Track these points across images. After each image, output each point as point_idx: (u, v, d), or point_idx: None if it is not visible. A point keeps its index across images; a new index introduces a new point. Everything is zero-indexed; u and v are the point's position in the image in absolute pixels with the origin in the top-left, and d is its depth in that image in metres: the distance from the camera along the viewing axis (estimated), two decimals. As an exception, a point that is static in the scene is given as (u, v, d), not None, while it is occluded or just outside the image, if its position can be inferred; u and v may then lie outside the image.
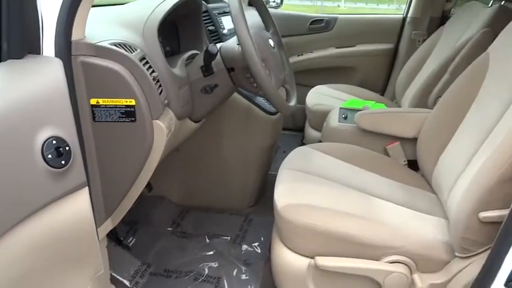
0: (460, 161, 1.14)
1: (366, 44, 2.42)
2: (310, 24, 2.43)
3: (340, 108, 1.78)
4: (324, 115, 1.85)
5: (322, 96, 2.10)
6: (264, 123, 1.57)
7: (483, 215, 0.91)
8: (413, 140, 1.46)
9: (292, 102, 1.26)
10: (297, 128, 2.51)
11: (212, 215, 1.71)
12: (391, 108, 1.67)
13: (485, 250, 0.94)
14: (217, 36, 1.52)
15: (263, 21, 1.34)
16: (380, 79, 2.47)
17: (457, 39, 1.88)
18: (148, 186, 1.70)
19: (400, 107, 2.13)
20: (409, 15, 2.31)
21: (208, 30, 1.47)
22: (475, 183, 0.95)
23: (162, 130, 0.94)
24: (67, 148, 0.65)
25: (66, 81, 0.70)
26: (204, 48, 1.36)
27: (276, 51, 1.21)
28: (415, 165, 1.46)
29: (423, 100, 1.82)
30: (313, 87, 2.28)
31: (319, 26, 2.43)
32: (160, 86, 0.96)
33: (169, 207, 1.73)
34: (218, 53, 1.14)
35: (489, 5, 1.85)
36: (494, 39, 1.62)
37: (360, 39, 2.43)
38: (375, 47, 2.41)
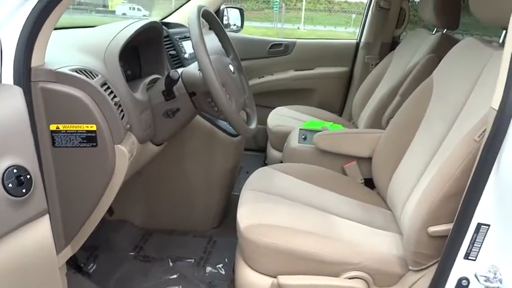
0: (411, 179, 1.22)
1: (323, 67, 2.53)
2: (270, 48, 2.51)
3: (300, 129, 1.84)
4: (284, 136, 1.91)
5: (282, 118, 2.16)
6: (226, 145, 1.60)
7: (432, 229, 0.97)
8: (369, 159, 1.54)
9: (253, 125, 1.30)
10: (259, 149, 2.56)
11: (175, 237, 1.70)
12: (347, 129, 1.76)
13: (436, 263, 1.01)
14: (179, 60, 1.55)
15: (223, 46, 1.39)
16: (337, 100, 2.58)
17: (406, 63, 2.02)
18: (110, 210, 1.67)
19: (357, 127, 2.24)
20: (362, 40, 2.45)
21: (170, 54, 1.49)
22: (423, 200, 1.01)
23: (124, 155, 0.94)
24: (28, 176, 0.65)
25: (26, 110, 0.70)
26: (166, 73, 1.39)
27: (236, 76, 1.26)
28: (371, 183, 1.54)
29: (377, 121, 1.93)
30: (274, 108, 2.35)
31: (279, 49, 2.51)
32: (122, 110, 0.97)
33: (131, 231, 1.70)
34: (180, 78, 1.17)
35: (433, 32, 2.00)
36: (438, 63, 1.76)
37: (317, 63, 2.53)
38: (331, 70, 2.53)
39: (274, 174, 1.43)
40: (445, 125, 1.19)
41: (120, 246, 1.61)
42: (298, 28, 18.89)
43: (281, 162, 1.78)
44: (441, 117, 1.22)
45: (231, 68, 1.23)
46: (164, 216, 1.72)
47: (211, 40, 2.20)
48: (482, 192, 0.78)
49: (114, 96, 0.95)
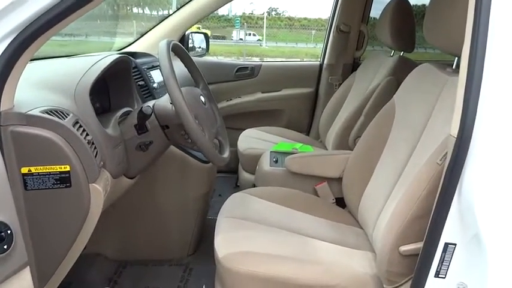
0: (380, 199, 1.27)
1: (289, 89, 2.60)
2: (237, 71, 2.55)
3: (271, 152, 1.88)
4: (255, 158, 1.94)
5: (252, 140, 2.19)
6: (199, 172, 1.60)
7: (403, 248, 1.02)
8: (339, 179, 1.59)
9: (226, 154, 1.32)
10: (230, 170, 2.57)
11: (151, 268, 1.68)
12: (317, 151, 1.81)
13: (409, 280, 1.06)
14: (148, 90, 1.56)
15: (192, 77, 1.41)
16: (304, 120, 2.65)
17: (367, 84, 2.11)
18: (81, 244, 1.63)
19: (324, 146, 2.30)
20: (325, 62, 2.55)
21: (138, 85, 1.50)
22: (393, 221, 1.06)
23: (99, 193, 0.94)
24: (9, 232, 0.64)
25: (3, 161, 0.69)
26: (136, 105, 1.39)
27: (207, 106, 1.28)
28: (342, 202, 1.58)
29: (344, 140, 2.00)
30: (243, 129, 2.38)
31: (245, 72, 2.56)
32: (95, 148, 0.97)
33: (104, 264, 1.66)
34: (153, 112, 1.18)
35: (391, 54, 2.11)
36: (397, 85, 1.84)
37: (284, 84, 2.60)
38: (297, 90, 2.60)
39: (249, 199, 1.45)
40: (407, 147, 1.25)
41: (94, 281, 1.57)
42: (261, 45, 19.22)
43: (253, 185, 1.81)
44: (403, 140, 1.29)
45: (202, 98, 1.26)
46: (138, 246, 1.70)
47: (178, 67, 2.22)
48: (447, 214, 0.83)
49: (87, 135, 0.95)
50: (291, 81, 2.60)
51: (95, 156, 0.94)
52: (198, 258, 1.75)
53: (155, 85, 1.60)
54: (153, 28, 2.34)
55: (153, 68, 1.68)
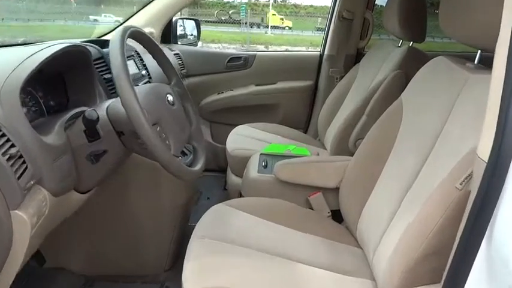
0: (383, 216, 1.07)
1: (286, 81, 2.38)
2: (228, 61, 2.33)
3: (261, 154, 1.68)
4: (244, 161, 1.73)
5: (242, 138, 1.99)
6: (176, 179, 1.40)
7: (410, 292, 0.82)
8: (336, 190, 1.39)
9: (198, 165, 1.11)
10: (220, 169, 2.37)
11: (121, 285, 1.49)
12: (310, 158, 1.58)
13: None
14: (117, 84, 1.34)
15: (163, 70, 1.20)
16: (302, 116, 2.44)
17: (371, 78, 1.89)
18: (40, 259, 1.44)
19: (323, 144, 2.10)
20: (325, 52, 2.32)
21: (104, 79, 1.28)
22: (399, 255, 0.86)
23: (24, 223, 0.74)
24: None
25: None
26: (99, 102, 1.18)
27: (177, 107, 1.06)
28: (339, 214, 1.38)
29: (343, 142, 1.78)
30: (234, 125, 2.18)
31: (238, 63, 2.34)
32: (24, 162, 0.76)
33: (69, 280, 1.47)
34: (106, 115, 0.97)
35: (399, 45, 1.89)
36: (406, 81, 1.63)
37: (280, 77, 2.38)
38: (295, 84, 2.38)
39: (230, 213, 1.25)
40: (417, 158, 1.05)
41: (56, 301, 1.38)
42: (266, 32, 18.82)
43: (240, 194, 1.60)
44: (412, 148, 1.09)
45: (170, 98, 1.04)
46: (108, 260, 1.51)
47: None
48: (473, 260, 0.62)
49: (11, 146, 0.74)
50: (288, 73, 2.38)
51: (21, 174, 0.74)
52: (176, 274, 1.55)
53: (126, 78, 1.39)
54: (134, 14, 2.12)
55: (127, 58, 1.46)
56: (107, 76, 1.32)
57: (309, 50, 2.46)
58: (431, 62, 1.19)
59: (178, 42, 2.36)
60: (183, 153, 1.38)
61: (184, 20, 2.54)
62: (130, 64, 1.50)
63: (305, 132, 2.43)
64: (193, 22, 2.58)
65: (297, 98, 2.39)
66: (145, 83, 1.40)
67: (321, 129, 2.16)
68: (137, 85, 1.35)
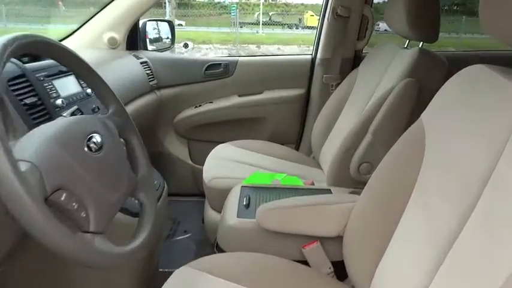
0: (412, 279, 0.76)
1: (274, 90, 2.06)
2: (206, 69, 2.00)
3: (242, 187, 1.36)
4: (223, 193, 1.41)
5: (222, 163, 1.66)
6: (126, 230, 1.07)
7: None
8: (338, 238, 1.07)
9: (138, 239, 0.76)
10: (200, 193, 2.05)
11: None
12: (304, 199, 1.21)
13: None
14: (45, 111, 1.01)
15: (96, 95, 0.87)
16: (293, 130, 2.11)
17: (374, 86, 1.58)
18: None
19: (318, 163, 1.78)
20: (318, 56, 1.99)
21: (25, 105, 0.95)
22: None
23: None
24: None
25: None
26: (14, 134, 0.85)
27: (106, 152, 0.73)
28: (342, 268, 1.06)
29: (344, 166, 1.46)
30: (215, 142, 1.86)
31: (217, 71, 2.01)
32: None
33: None
34: None
35: (405, 45, 1.58)
36: (419, 91, 1.32)
37: (266, 85, 2.05)
38: (284, 93, 2.05)
39: (199, 280, 0.93)
40: (454, 210, 0.74)
41: None
42: (257, 32, 18.48)
43: (215, 243, 1.26)
44: (445, 194, 0.77)
45: (96, 139, 0.71)
46: None
47: (121, 69, 1.67)
48: None
49: None
50: (276, 81, 2.05)
51: None
52: None
53: (59, 101, 1.05)
54: (92, 17, 1.80)
55: (61, 75, 1.13)
56: (31, 101, 0.99)
57: (300, 54, 2.11)
58: (463, 72, 0.87)
59: (149, 48, 2.03)
60: (131, 213, 1.05)
61: (158, 22, 2.21)
62: (69, 81, 1.17)
63: (297, 148, 2.11)
64: (166, 24, 2.26)
65: (286, 109, 2.06)
66: (73, 113, 1.06)
67: (315, 145, 1.84)
68: (62, 115, 1.02)
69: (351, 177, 1.46)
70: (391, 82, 1.42)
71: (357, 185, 1.47)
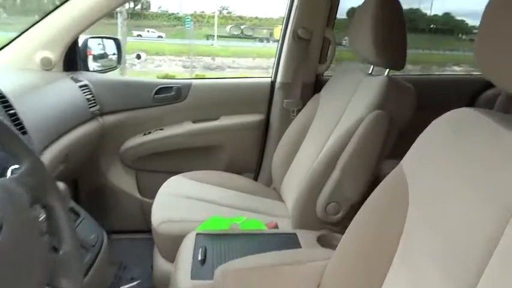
0: None
1: (231, 116, 1.90)
2: (156, 93, 1.82)
3: (197, 234, 1.18)
4: (175, 242, 1.23)
5: (174, 201, 1.48)
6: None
7: None
8: None
9: None
10: (150, 230, 1.84)
11: None
12: (271, 258, 1.04)
13: None
14: None
15: (5, 150, 0.67)
16: (252, 158, 1.96)
17: (338, 113, 1.47)
18: None
19: (279, 194, 1.65)
20: (278, 79, 1.87)
21: None
22: None
23: None
24: None
25: None
26: None
27: (1, 237, 0.53)
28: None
29: (310, 205, 1.33)
30: (167, 172, 1.68)
31: (168, 95, 1.83)
32: None
33: None
34: None
35: (370, 71, 1.49)
36: (390, 124, 1.21)
37: (223, 110, 1.90)
38: (242, 119, 1.90)
39: None
40: (449, 282, 0.61)
41: None
42: (212, 44, 18.30)
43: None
44: (432, 259, 0.65)
45: None
46: None
47: (56, 94, 1.45)
48: None
49: None
50: (234, 105, 1.90)
51: None
52: None
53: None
54: (24, 32, 1.57)
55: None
56: None
57: (259, 76, 1.98)
58: (451, 117, 0.76)
59: (91, 68, 1.82)
60: None
61: (102, 39, 2.00)
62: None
63: (256, 178, 1.96)
64: (111, 42, 2.04)
65: (244, 136, 1.91)
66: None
67: (276, 176, 1.70)
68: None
69: (318, 218, 1.33)
70: (358, 113, 1.31)
71: (324, 225, 1.35)
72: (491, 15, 0.63)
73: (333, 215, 1.31)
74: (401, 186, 0.78)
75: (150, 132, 1.84)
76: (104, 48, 2.02)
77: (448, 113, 0.77)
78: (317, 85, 1.87)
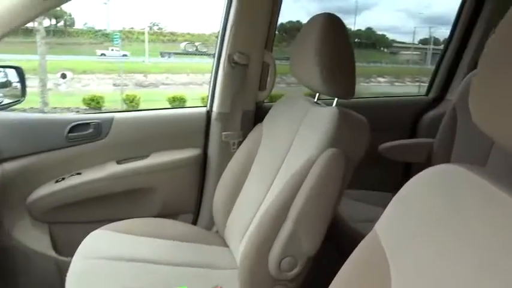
0: None
1: (163, 152, 1.66)
2: (70, 131, 1.53)
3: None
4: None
5: (94, 267, 1.21)
6: None
7: None
8: None
9: None
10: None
11: None
12: None
13: None
14: None
15: None
16: (190, 199, 1.73)
17: (285, 147, 1.31)
18: None
19: (222, 238, 1.45)
20: (214, 109, 1.67)
21: None
22: None
23: None
24: None
25: None
26: None
27: None
28: None
29: (261, 261, 1.14)
30: (88, 223, 1.41)
31: (86, 132, 1.55)
32: None
33: None
34: None
35: (315, 100, 1.35)
36: (347, 161, 1.06)
37: (153, 146, 1.65)
38: (176, 155, 1.67)
39: None
40: None
41: None
42: (143, 61, 17.66)
43: None
44: None
45: None
46: None
47: None
48: None
49: None
50: (165, 140, 1.67)
51: None
52: None
53: None
54: None
55: None
56: None
57: (193, 106, 1.76)
58: (432, 175, 0.61)
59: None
60: None
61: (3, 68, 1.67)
62: None
63: (195, 220, 1.74)
64: (13, 71, 1.71)
65: (180, 174, 1.68)
66: None
67: (218, 218, 1.50)
68: None
69: (270, 276, 1.14)
70: (308, 151, 1.15)
71: (278, 282, 1.16)
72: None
73: (288, 272, 1.12)
74: (378, 252, 0.62)
75: (64, 178, 1.54)
76: (5, 76, 1.70)
77: (428, 170, 0.63)
78: (258, 114, 1.70)
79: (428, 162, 1.81)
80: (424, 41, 10.01)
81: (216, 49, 1.64)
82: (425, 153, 1.82)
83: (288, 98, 1.47)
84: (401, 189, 0.65)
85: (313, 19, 1.22)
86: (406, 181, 0.64)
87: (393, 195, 0.65)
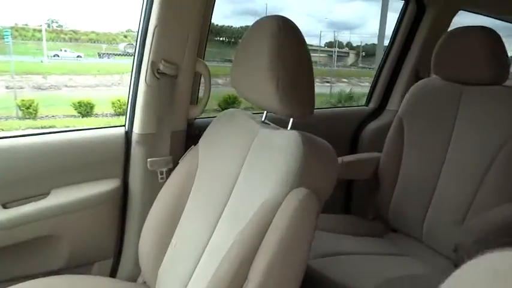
0: None
1: (68, 188, 1.29)
2: None
3: None
4: None
5: None
6: None
7: None
8: None
9: None
10: None
11: None
12: None
13: None
14: None
15: None
16: (107, 244, 1.38)
17: (232, 177, 1.06)
18: None
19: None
20: (135, 130, 1.34)
21: None
22: None
23: None
24: None
25: None
26: None
27: None
28: None
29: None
30: None
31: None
32: None
33: None
34: None
35: (263, 119, 1.12)
36: (319, 203, 0.84)
37: (54, 181, 1.27)
38: (86, 190, 1.31)
39: None
40: None
41: None
42: (42, 61, 15.89)
43: None
44: None
45: None
46: None
47: None
48: None
49: None
50: (70, 172, 1.29)
51: None
52: None
53: None
54: None
55: None
56: None
57: (107, 126, 1.40)
58: None
59: None
60: None
61: None
62: None
63: (114, 271, 1.39)
64: None
65: (92, 215, 1.31)
66: None
67: (145, 264, 1.19)
68: None
69: None
70: (266, 189, 0.90)
71: None
72: None
73: None
74: None
75: None
76: None
77: None
78: (190, 134, 1.41)
79: (375, 179, 1.69)
80: (329, 44, 10.63)
81: (134, 55, 1.31)
82: (371, 169, 1.69)
83: (227, 114, 1.21)
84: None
85: (261, 23, 0.99)
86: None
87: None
